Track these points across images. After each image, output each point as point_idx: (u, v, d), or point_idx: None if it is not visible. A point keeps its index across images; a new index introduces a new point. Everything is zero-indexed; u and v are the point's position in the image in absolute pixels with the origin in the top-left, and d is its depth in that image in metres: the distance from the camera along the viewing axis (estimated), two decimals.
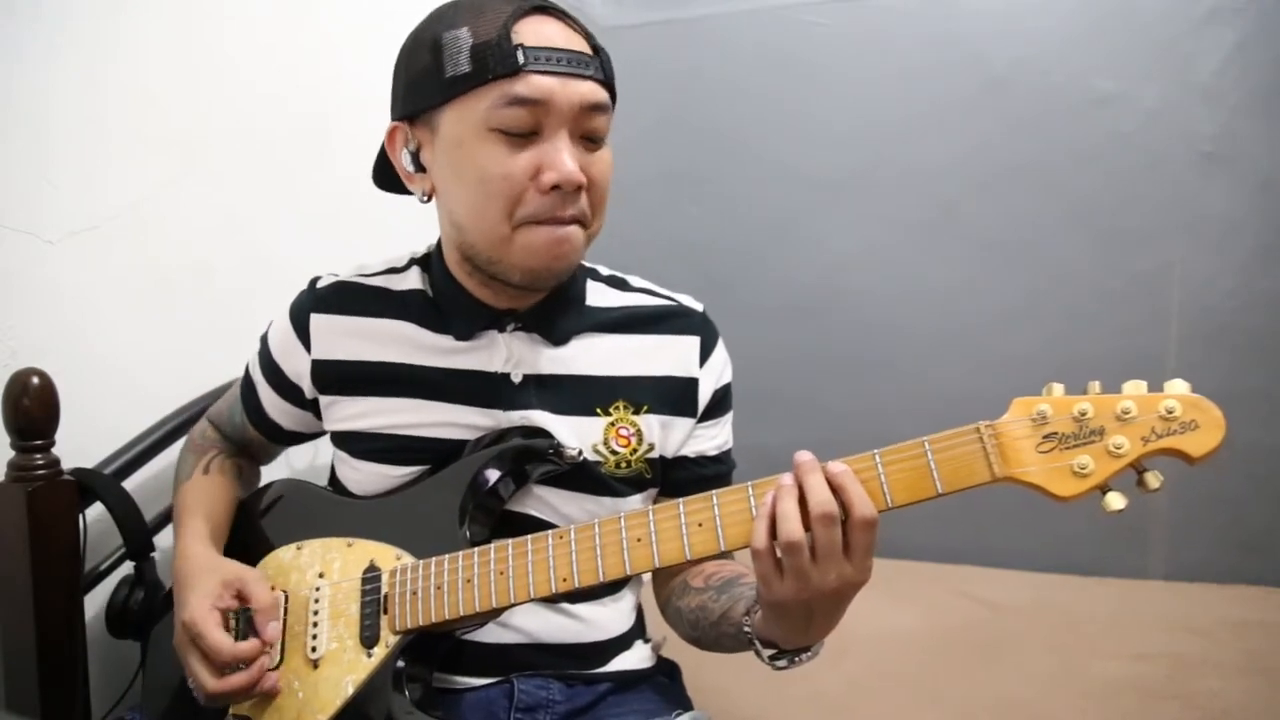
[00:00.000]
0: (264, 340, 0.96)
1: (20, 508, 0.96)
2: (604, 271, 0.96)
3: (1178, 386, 0.62)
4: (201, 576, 0.83)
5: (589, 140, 0.79)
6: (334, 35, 1.60)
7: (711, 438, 0.95)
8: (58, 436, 1.01)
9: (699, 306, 0.96)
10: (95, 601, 1.09)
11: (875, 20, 1.95)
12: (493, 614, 0.79)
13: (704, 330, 0.93)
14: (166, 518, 1.21)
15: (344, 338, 0.90)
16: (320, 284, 0.93)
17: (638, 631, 0.97)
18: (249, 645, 0.78)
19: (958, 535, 1.88)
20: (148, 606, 1.07)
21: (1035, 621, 1.57)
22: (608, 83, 0.79)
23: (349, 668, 0.79)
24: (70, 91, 1.13)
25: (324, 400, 0.92)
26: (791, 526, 0.64)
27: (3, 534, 0.98)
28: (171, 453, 1.20)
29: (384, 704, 0.77)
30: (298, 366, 0.92)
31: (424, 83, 0.78)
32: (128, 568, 1.11)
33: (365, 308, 0.90)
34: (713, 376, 0.93)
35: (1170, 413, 0.61)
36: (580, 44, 0.78)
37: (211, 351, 1.26)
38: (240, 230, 1.38)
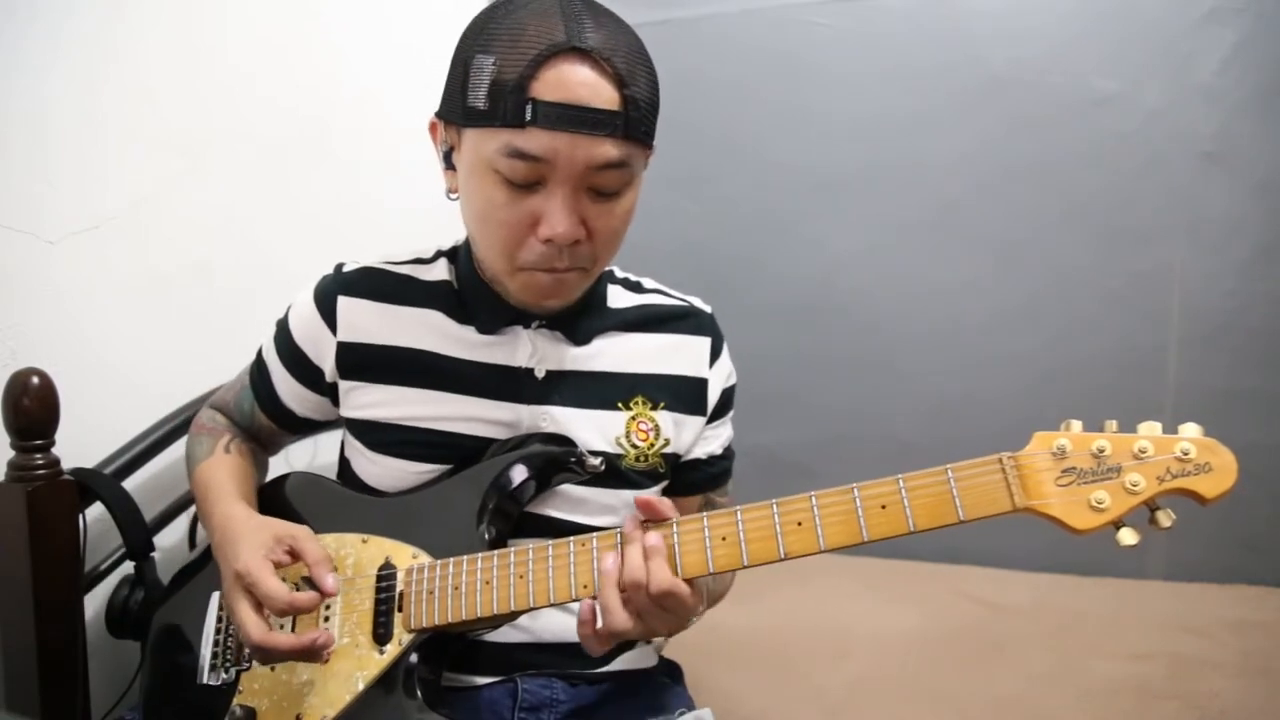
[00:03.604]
0: (282, 324, 0.95)
1: (20, 508, 0.96)
2: (619, 274, 0.97)
3: (1190, 430, 0.65)
4: (251, 532, 0.81)
5: (598, 193, 0.76)
6: (334, 36, 1.60)
7: (717, 437, 0.98)
8: (58, 436, 1.01)
9: (708, 308, 0.98)
10: (95, 601, 1.09)
11: (875, 20, 1.95)
12: (509, 617, 0.79)
13: (713, 331, 0.97)
14: (166, 518, 1.21)
15: (371, 322, 0.89)
16: (346, 269, 0.92)
17: None
18: (306, 596, 0.76)
19: (958, 535, 1.86)
20: (148, 606, 1.07)
21: (1035, 621, 1.57)
22: (630, 136, 0.74)
23: (360, 664, 0.79)
24: (70, 92, 1.13)
25: (344, 385, 0.90)
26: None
27: (3, 534, 0.98)
28: (171, 453, 1.20)
29: (394, 701, 0.77)
30: (321, 349, 0.91)
31: (453, 98, 0.77)
32: (128, 568, 1.11)
33: (393, 294, 0.90)
34: (721, 377, 0.96)
35: (1185, 455, 0.64)
36: (606, 97, 0.72)
37: (211, 351, 1.26)
38: (240, 230, 1.38)
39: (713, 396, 0.95)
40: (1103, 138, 1.82)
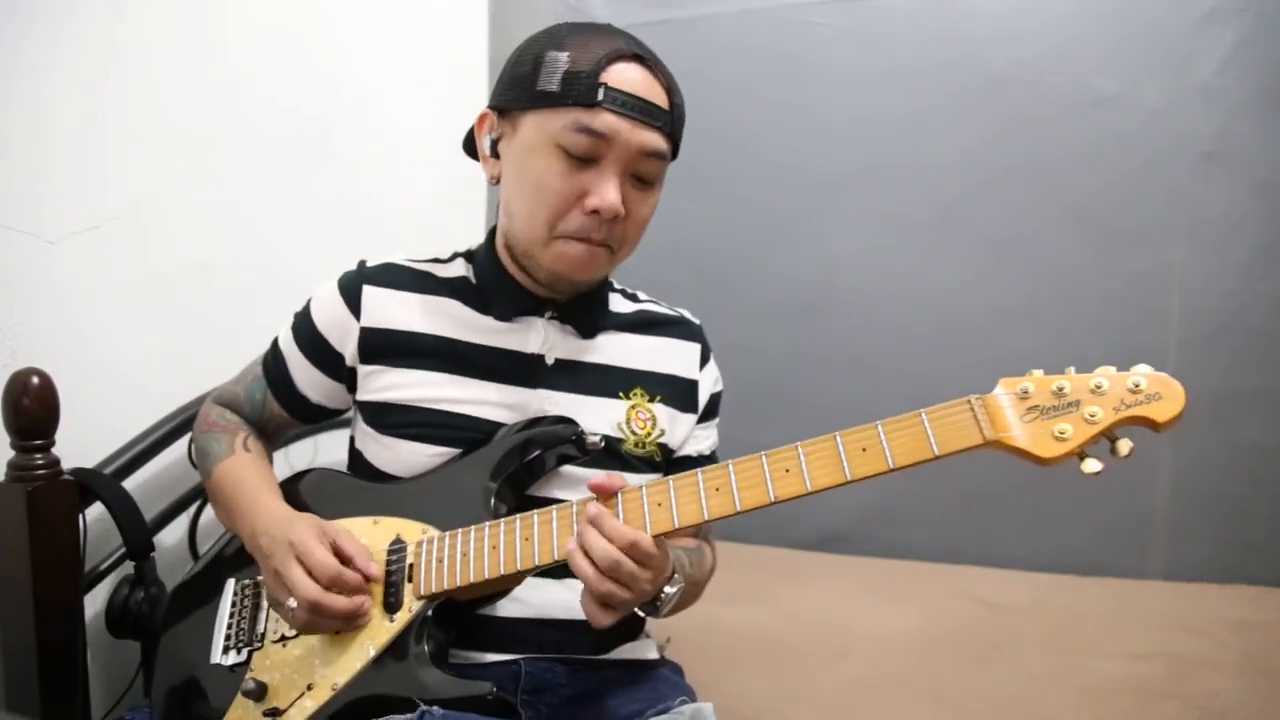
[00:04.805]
0: (303, 314, 0.99)
1: (20, 508, 0.96)
2: (616, 285, 1.06)
3: (1142, 368, 0.72)
4: (300, 521, 0.85)
5: (639, 180, 0.88)
6: (334, 36, 1.61)
7: (706, 438, 1.06)
8: (58, 436, 1.01)
9: (697, 320, 1.08)
10: (95, 601, 1.09)
11: (875, 20, 1.95)
12: (516, 579, 0.83)
13: (702, 339, 1.07)
14: (166, 518, 1.21)
15: (394, 308, 0.96)
16: (370, 264, 0.99)
17: (639, 621, 0.98)
18: (353, 574, 0.81)
19: (958, 535, 1.88)
20: (148, 606, 1.07)
21: (1035, 621, 1.57)
22: (672, 136, 0.88)
23: (370, 632, 0.82)
24: (70, 92, 1.13)
25: (364, 370, 0.95)
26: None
27: (3, 534, 0.98)
28: (171, 453, 1.20)
29: (404, 667, 0.80)
30: (345, 335, 0.96)
31: (519, 86, 0.87)
32: (128, 568, 1.11)
33: (414, 285, 0.97)
34: (709, 381, 1.06)
35: (1137, 387, 0.71)
36: (659, 97, 0.86)
37: (211, 351, 1.26)
38: (240, 230, 1.39)
39: (703, 398, 1.04)
40: (1103, 138, 1.82)
